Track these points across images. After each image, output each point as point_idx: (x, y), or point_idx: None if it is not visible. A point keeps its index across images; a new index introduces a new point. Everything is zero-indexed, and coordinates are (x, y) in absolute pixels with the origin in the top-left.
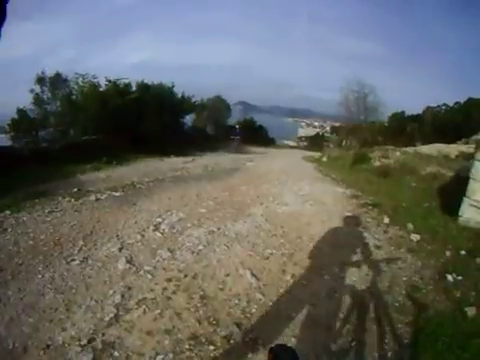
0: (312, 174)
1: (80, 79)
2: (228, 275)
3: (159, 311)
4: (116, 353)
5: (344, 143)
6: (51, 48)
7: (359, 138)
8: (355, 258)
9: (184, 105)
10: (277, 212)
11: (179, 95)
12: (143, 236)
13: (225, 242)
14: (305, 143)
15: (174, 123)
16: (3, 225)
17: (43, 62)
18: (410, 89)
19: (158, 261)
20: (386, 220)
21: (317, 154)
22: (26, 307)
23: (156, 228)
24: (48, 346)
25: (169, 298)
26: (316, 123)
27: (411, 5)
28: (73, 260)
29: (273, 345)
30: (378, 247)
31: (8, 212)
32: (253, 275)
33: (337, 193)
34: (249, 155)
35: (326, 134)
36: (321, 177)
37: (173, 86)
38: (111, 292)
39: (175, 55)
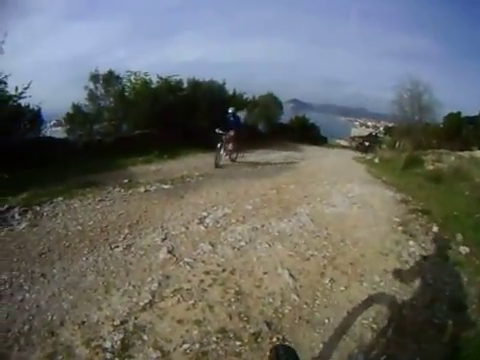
0: (362, 176)
1: (132, 76)
2: (266, 273)
3: (193, 302)
4: (145, 337)
5: (397, 144)
6: (104, 47)
7: (413, 140)
8: (398, 267)
9: (235, 102)
10: (324, 213)
11: (230, 92)
12: (187, 228)
13: (267, 240)
14: (357, 143)
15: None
16: (55, 210)
17: (97, 60)
18: (467, 89)
19: (199, 254)
20: (435, 229)
21: (369, 155)
22: (68, 286)
23: (201, 222)
24: (83, 322)
25: (204, 290)
26: (369, 123)
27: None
28: (117, 247)
29: (275, 345)
30: (424, 257)
31: (60, 198)
32: (291, 275)
33: (386, 197)
34: (300, 154)
35: (379, 134)
36: (371, 179)
37: (224, 83)
38: (149, 279)
39: (227, 53)
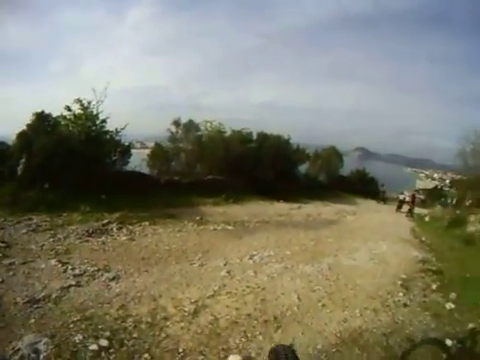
0: (401, 235)
1: (208, 125)
2: (283, 294)
3: (236, 299)
4: (207, 310)
5: (467, 200)
6: (179, 81)
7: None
8: (378, 307)
9: (298, 155)
10: (342, 264)
11: (294, 146)
12: (241, 260)
13: (292, 276)
14: (422, 197)
15: (287, 171)
16: (144, 231)
17: (171, 92)
18: None
19: (245, 276)
20: (433, 286)
21: (425, 211)
22: (163, 279)
23: (251, 258)
24: (173, 298)
25: (244, 295)
26: (436, 175)
27: None
28: (193, 264)
29: (274, 346)
30: (405, 305)
31: (147, 223)
32: (298, 298)
33: (409, 256)
34: (352, 207)
35: (445, 188)
36: (408, 239)
37: (289, 139)
38: (213, 284)
39: (299, 97)
